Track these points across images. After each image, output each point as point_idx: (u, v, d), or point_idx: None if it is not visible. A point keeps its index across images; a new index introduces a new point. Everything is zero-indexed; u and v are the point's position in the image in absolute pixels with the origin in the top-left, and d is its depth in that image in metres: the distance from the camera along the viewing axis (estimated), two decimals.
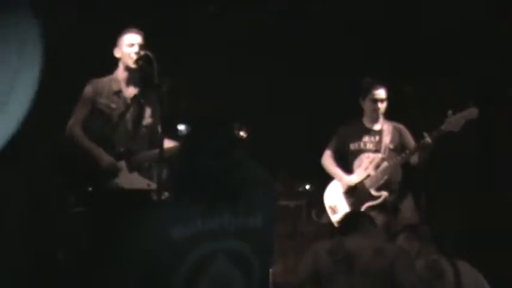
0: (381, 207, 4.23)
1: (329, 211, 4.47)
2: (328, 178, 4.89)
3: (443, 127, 3.98)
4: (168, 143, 3.55)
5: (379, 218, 4.04)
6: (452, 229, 4.58)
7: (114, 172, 3.63)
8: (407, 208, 4.28)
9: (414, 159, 4.21)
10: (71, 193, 3.67)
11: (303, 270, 2.93)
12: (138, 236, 2.00)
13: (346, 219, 3.28)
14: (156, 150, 3.53)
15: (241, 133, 3.42)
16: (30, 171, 4.20)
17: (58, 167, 3.74)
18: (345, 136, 4.46)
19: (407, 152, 4.20)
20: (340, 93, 5.04)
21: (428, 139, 4.03)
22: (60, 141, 3.78)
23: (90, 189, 3.61)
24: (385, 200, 4.23)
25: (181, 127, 3.46)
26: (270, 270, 4.27)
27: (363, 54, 5.08)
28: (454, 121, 3.95)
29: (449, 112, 3.97)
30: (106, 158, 3.63)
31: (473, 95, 4.17)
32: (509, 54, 4.64)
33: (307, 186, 5.18)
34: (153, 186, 3.57)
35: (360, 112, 4.44)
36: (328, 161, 4.52)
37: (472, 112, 3.94)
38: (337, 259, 2.77)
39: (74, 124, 3.70)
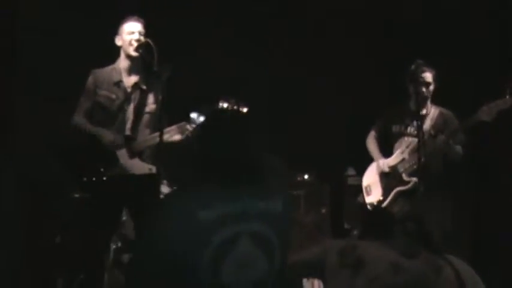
0: (410, 193, 4.13)
1: (364, 192, 4.46)
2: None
3: (475, 116, 3.89)
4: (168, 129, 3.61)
5: (404, 205, 4.02)
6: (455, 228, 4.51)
7: (117, 146, 3.67)
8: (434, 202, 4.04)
9: (452, 153, 4.10)
10: (73, 181, 3.72)
11: (304, 255, 2.86)
12: (166, 219, 2.05)
13: (370, 221, 3.03)
14: (156, 134, 3.58)
15: (241, 108, 3.45)
16: (28, 160, 4.25)
17: (61, 157, 3.79)
18: (389, 118, 4.42)
19: (440, 138, 4.08)
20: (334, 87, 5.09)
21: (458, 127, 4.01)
22: (64, 132, 3.85)
23: (93, 178, 3.65)
24: (414, 186, 4.08)
25: (193, 115, 3.49)
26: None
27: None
28: (487, 110, 3.85)
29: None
30: (107, 135, 3.68)
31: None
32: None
33: (306, 176, 5.21)
34: (155, 170, 3.61)
35: (408, 96, 4.33)
36: (370, 141, 4.50)
37: (506, 102, 3.82)
38: (345, 261, 2.68)
39: (77, 115, 3.77)
